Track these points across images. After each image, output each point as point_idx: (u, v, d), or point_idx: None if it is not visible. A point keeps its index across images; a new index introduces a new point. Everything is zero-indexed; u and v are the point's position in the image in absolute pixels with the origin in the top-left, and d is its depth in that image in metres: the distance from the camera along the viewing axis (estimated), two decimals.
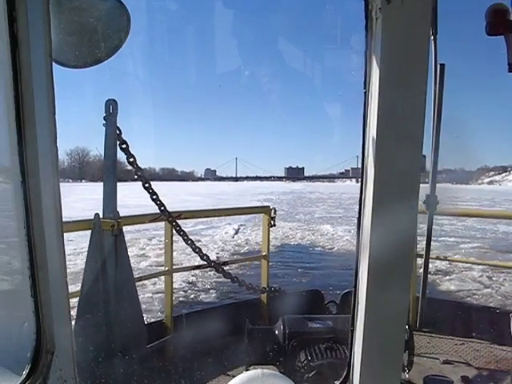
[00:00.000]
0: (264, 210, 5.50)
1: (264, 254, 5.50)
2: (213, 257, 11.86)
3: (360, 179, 1.79)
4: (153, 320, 5.46)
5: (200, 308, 6.74)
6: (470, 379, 4.10)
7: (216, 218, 24.82)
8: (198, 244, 4.56)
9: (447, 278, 12.48)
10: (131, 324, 3.95)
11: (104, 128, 3.91)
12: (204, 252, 4.61)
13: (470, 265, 12.86)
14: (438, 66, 2.01)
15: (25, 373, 1.72)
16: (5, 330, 1.86)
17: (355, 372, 1.87)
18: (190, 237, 4.50)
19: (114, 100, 3.90)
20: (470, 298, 10.43)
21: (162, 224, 4.63)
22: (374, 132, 1.63)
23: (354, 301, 1.83)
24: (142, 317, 4.23)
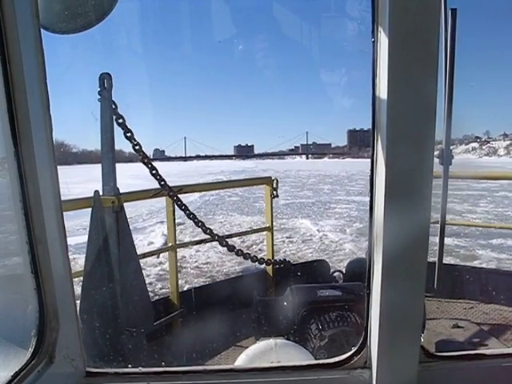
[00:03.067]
0: (266, 181, 5.42)
1: (268, 225, 5.44)
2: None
3: (370, 176, 1.70)
4: (159, 297, 5.42)
5: (205, 283, 6.72)
6: (481, 342, 4.08)
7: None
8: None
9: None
10: (137, 301, 3.91)
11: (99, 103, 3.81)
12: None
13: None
14: (449, 11, 1.87)
15: (30, 352, 1.66)
16: (7, 308, 1.80)
17: (373, 337, 1.81)
18: None
19: (109, 74, 3.80)
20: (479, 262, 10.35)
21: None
22: (383, 129, 1.54)
23: (370, 262, 1.75)
24: (148, 293, 4.18)
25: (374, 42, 1.57)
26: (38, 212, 1.60)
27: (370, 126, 1.66)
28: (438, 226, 2.38)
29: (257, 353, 2.53)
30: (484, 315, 4.80)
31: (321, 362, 1.98)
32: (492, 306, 4.97)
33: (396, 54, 1.47)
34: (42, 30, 1.61)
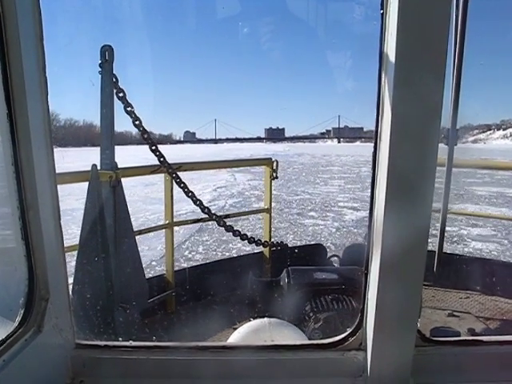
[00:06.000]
0: (266, 162, 5.36)
1: (266, 207, 5.39)
2: None
3: (372, 174, 1.68)
4: (154, 274, 5.39)
5: (201, 262, 6.68)
6: (475, 331, 4.06)
7: None
8: None
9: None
10: (132, 277, 3.88)
11: (100, 76, 3.75)
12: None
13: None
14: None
15: (17, 320, 1.62)
16: None
17: (369, 318, 1.78)
18: None
19: (110, 46, 3.73)
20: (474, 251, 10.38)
21: None
22: (387, 121, 1.49)
23: (369, 242, 1.71)
24: (143, 270, 4.14)
25: (380, 37, 1.53)
26: (31, 177, 1.56)
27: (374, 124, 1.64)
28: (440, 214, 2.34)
29: (250, 331, 2.51)
30: (479, 305, 4.78)
31: (315, 342, 1.95)
32: (488, 296, 4.94)
33: (403, 49, 1.43)
34: None
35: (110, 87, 3.76)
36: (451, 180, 2.88)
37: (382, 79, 1.55)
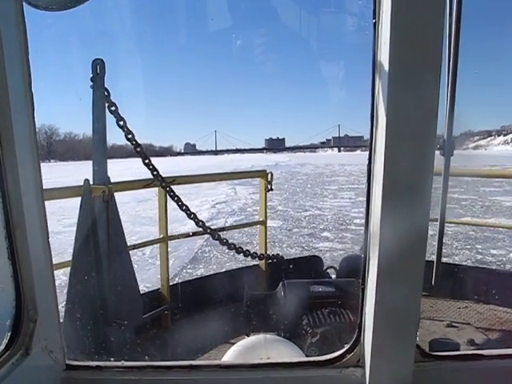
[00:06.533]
0: (260, 174, 5.33)
1: (261, 219, 5.35)
2: None
3: (367, 178, 1.64)
4: (149, 289, 5.32)
5: (197, 277, 6.62)
6: (475, 342, 4.02)
7: None
8: None
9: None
10: (126, 293, 3.83)
11: (91, 90, 3.73)
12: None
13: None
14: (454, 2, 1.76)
15: (4, 343, 1.57)
16: None
17: (366, 334, 1.74)
18: None
19: (102, 60, 3.73)
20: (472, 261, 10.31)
21: None
22: (382, 130, 1.47)
23: (366, 259, 1.68)
24: (137, 285, 4.09)
25: (373, 37, 1.51)
26: (17, 194, 1.52)
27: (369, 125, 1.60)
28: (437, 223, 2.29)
29: (245, 348, 2.46)
30: (478, 314, 4.75)
31: (311, 359, 1.90)
32: (487, 306, 4.91)
33: (397, 50, 1.40)
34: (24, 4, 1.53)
35: (102, 101, 3.74)
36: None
37: (376, 88, 1.52)
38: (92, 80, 3.71)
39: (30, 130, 1.56)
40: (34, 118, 1.57)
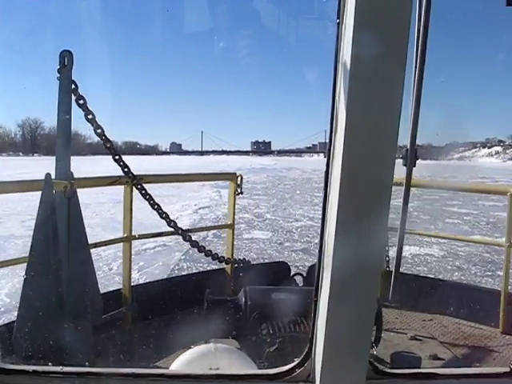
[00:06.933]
0: (230, 176, 5.28)
1: (229, 223, 5.29)
2: None
3: (323, 185, 1.60)
4: (109, 289, 5.20)
5: (160, 277, 6.51)
6: (437, 356, 4.00)
7: None
8: None
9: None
10: (85, 292, 3.72)
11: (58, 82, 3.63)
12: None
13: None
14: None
15: None
16: None
17: (318, 349, 1.68)
18: None
19: (69, 51, 3.63)
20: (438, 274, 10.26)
21: None
22: (341, 134, 1.41)
23: (319, 267, 1.62)
24: (97, 285, 3.98)
25: (336, 46, 1.45)
26: None
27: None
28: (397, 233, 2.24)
29: (194, 357, 2.37)
30: (442, 328, 4.74)
31: (260, 372, 1.85)
32: (452, 319, 4.91)
33: (359, 59, 1.34)
34: None
35: (69, 94, 3.64)
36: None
37: (337, 91, 1.46)
38: (59, 72, 3.61)
39: None
40: None
